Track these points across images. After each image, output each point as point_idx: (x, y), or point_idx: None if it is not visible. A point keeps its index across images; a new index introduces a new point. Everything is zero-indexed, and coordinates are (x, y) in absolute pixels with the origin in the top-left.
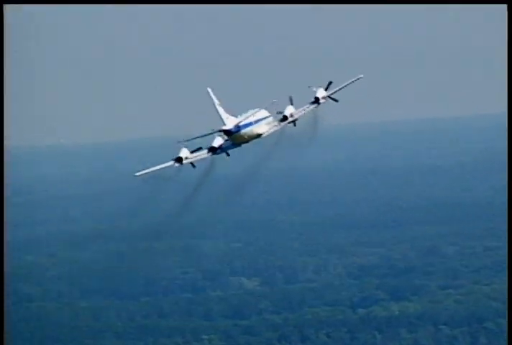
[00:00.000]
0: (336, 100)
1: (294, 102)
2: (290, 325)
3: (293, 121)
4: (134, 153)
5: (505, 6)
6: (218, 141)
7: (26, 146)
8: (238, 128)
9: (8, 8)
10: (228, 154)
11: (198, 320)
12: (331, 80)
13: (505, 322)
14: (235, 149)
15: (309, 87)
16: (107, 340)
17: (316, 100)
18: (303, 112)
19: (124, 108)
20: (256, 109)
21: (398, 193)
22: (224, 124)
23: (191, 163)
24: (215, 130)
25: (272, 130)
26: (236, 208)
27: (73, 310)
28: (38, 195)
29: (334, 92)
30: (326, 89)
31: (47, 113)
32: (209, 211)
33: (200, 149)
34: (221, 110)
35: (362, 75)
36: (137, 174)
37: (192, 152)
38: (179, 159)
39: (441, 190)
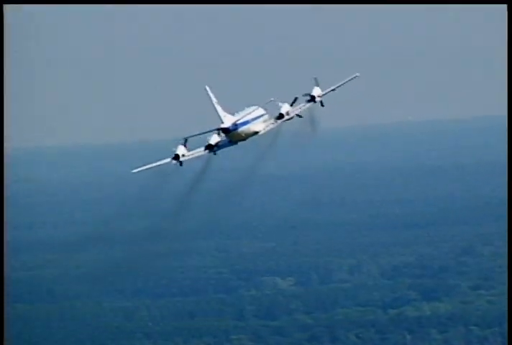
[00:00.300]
0: (333, 90)
1: (291, 101)
2: (320, 326)
3: (291, 118)
4: (134, 154)
5: (505, 6)
6: (214, 138)
7: (26, 147)
8: (236, 126)
9: (8, 8)
10: (235, 143)
11: (229, 321)
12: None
13: None
14: (231, 147)
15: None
16: (137, 340)
17: (312, 99)
18: (299, 110)
19: (124, 108)
20: (253, 107)
21: (427, 193)
22: (222, 122)
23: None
24: (213, 128)
25: (268, 128)
26: (266, 208)
27: (105, 310)
28: (38, 196)
29: (330, 91)
30: (317, 85)
31: (47, 114)
32: (233, 212)
33: (186, 140)
34: (219, 108)
35: (358, 74)
36: (135, 170)
37: (184, 144)
38: (176, 157)
39: (476, 190)
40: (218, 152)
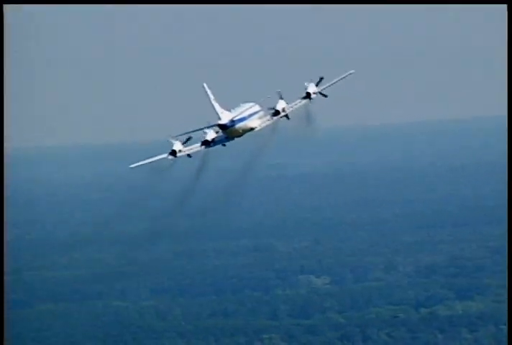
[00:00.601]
0: (326, 85)
1: (288, 98)
2: (352, 325)
3: (285, 115)
4: (134, 154)
5: (505, 6)
6: (211, 134)
7: (26, 147)
8: (233, 122)
9: (8, 8)
10: (231, 139)
11: (262, 320)
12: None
13: None
14: (228, 145)
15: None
16: (170, 340)
17: (308, 96)
18: (295, 107)
19: (124, 108)
20: (250, 103)
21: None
22: (219, 119)
23: (188, 154)
24: (210, 124)
25: (264, 124)
26: (300, 208)
27: (138, 309)
28: (38, 196)
29: (325, 87)
30: (316, 85)
31: (47, 114)
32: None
33: (177, 138)
34: (216, 105)
35: (353, 71)
36: (132, 166)
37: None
38: (173, 152)
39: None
40: (215, 148)
